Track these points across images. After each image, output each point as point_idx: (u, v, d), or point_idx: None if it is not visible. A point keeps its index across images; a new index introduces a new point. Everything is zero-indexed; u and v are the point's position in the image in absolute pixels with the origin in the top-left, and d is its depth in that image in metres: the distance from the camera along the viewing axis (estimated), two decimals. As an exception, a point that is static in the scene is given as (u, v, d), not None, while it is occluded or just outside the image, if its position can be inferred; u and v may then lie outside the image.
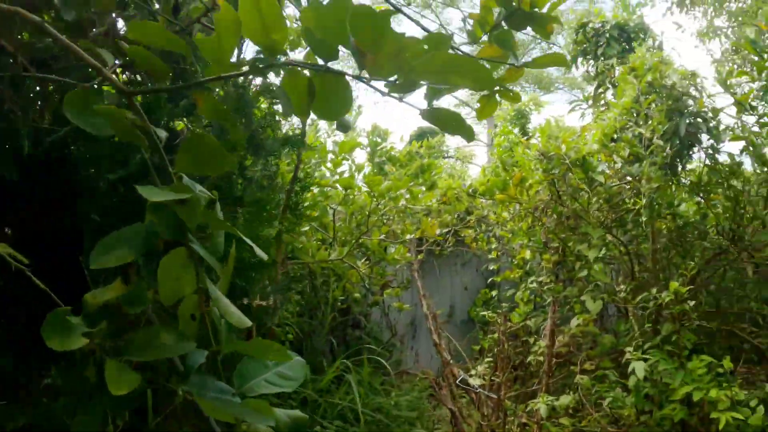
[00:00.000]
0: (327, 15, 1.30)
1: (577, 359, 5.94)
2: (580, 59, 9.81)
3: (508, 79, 1.95)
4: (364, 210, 5.94)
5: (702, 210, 6.33)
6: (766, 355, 6.50)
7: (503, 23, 2.15)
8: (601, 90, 8.84)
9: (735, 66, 9.38)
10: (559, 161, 5.43)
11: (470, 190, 6.92)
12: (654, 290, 5.31)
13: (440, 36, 1.41)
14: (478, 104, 2.06)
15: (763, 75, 6.69)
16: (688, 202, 6.67)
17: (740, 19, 11.30)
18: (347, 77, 1.38)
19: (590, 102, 8.01)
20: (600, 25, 9.49)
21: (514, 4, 2.10)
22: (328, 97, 1.41)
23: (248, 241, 1.59)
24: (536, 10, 2.08)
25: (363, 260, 6.65)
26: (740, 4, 11.68)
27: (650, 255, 6.12)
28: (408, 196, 5.93)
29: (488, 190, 5.73)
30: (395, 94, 1.40)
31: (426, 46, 1.34)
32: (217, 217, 1.52)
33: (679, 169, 6.05)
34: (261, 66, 1.45)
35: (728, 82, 6.54)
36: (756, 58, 6.45)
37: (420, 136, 21.20)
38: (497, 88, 1.94)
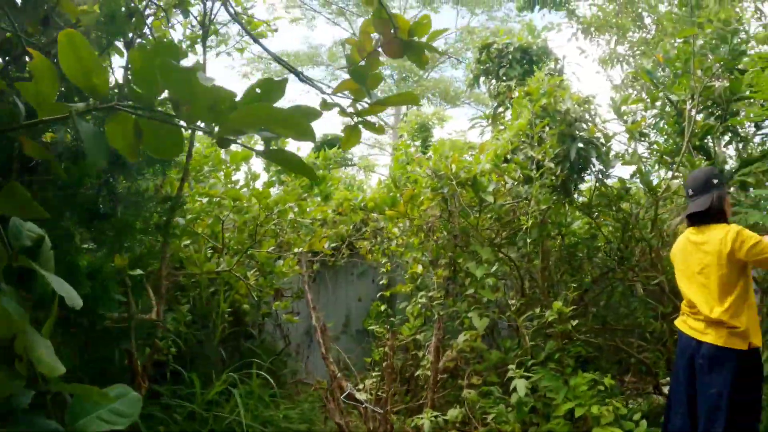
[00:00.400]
0: (146, 67, 1.35)
1: (465, 374, 5.97)
2: (482, 79, 9.92)
3: (371, 112, 1.91)
4: (256, 220, 5.79)
5: (592, 230, 6.50)
6: (652, 370, 6.73)
7: (379, 50, 2.11)
8: (501, 110, 8.97)
9: (633, 93, 9.71)
10: (448, 181, 5.44)
11: (362, 205, 6.85)
12: (538, 309, 5.38)
13: (272, 84, 1.40)
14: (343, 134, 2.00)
15: (657, 104, 6.93)
16: (582, 219, 6.83)
17: (642, 48, 11.71)
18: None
19: (490, 120, 8.11)
20: (504, 46, 9.62)
21: (392, 32, 2.05)
22: (157, 138, 1.45)
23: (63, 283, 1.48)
24: (414, 39, 2.04)
25: (253, 271, 6.50)
26: (644, 35, 12.11)
27: (539, 272, 6.22)
28: (297, 209, 5.81)
29: (377, 206, 5.69)
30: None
31: (258, 90, 1.39)
32: (28, 261, 1.42)
33: (573, 189, 6.18)
34: (85, 109, 1.44)
35: (622, 110, 6.73)
36: (651, 88, 6.67)
37: (324, 143, 21.06)
38: (359, 120, 1.89)
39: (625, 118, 6.62)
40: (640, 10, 11.71)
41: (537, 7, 11.91)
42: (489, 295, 5.46)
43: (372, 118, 1.92)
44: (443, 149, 5.54)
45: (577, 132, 5.69)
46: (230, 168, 5.80)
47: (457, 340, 5.80)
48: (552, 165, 5.62)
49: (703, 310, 3.96)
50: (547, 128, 5.89)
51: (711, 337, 3.91)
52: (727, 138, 6.96)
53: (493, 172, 5.67)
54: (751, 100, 6.18)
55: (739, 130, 6.94)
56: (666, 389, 5.93)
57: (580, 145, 5.76)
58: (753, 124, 6.80)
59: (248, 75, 28.49)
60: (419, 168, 5.69)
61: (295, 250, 6.20)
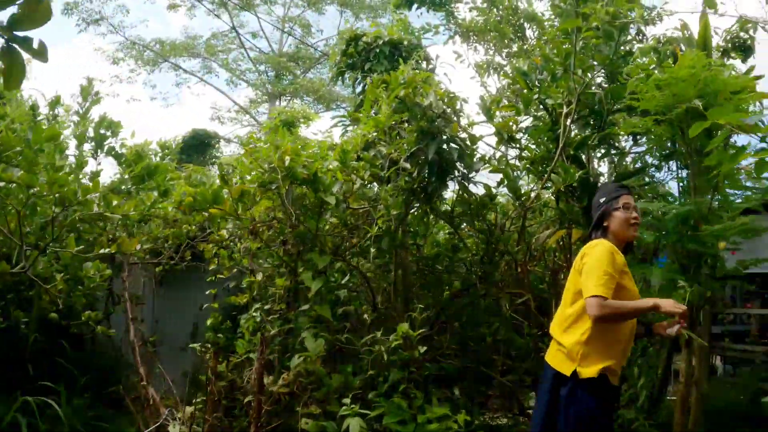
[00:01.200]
0: None
1: (302, 400, 5.16)
2: (348, 74, 9.07)
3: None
4: (49, 213, 4.78)
5: (453, 241, 5.85)
6: (516, 392, 6.17)
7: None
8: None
9: (505, 100, 9.16)
10: (276, 176, 4.62)
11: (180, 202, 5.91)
12: (379, 332, 4.64)
13: None
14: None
15: (531, 109, 6.38)
16: (445, 229, 6.19)
17: (521, 58, 11.23)
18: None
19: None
20: (372, 39, 8.79)
21: None
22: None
23: None
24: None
25: (63, 275, 5.48)
26: (524, 45, 11.64)
27: (392, 287, 5.51)
28: (102, 202, 4.81)
29: (199, 202, 4.79)
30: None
31: None
32: None
33: (434, 195, 5.48)
34: None
35: (492, 112, 6.13)
36: (525, 91, 6.10)
37: (193, 138, 19.72)
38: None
39: (495, 121, 6.03)
40: (522, 21, 11.19)
41: (415, 6, 11.19)
42: (325, 313, 4.68)
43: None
44: (275, 138, 4.70)
45: (439, 130, 5.00)
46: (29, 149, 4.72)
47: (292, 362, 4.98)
48: (408, 165, 4.91)
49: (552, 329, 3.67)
50: (407, 125, 5.20)
51: (549, 356, 3.58)
52: (603, 150, 6.47)
53: (341, 170, 4.89)
54: (633, 112, 5.70)
55: (617, 143, 6.48)
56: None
57: (443, 145, 5.08)
58: (630, 137, 6.31)
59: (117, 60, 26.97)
60: (247, 160, 4.84)
61: (101, 250, 5.20)
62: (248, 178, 5.02)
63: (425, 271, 5.96)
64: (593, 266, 3.28)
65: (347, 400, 4.46)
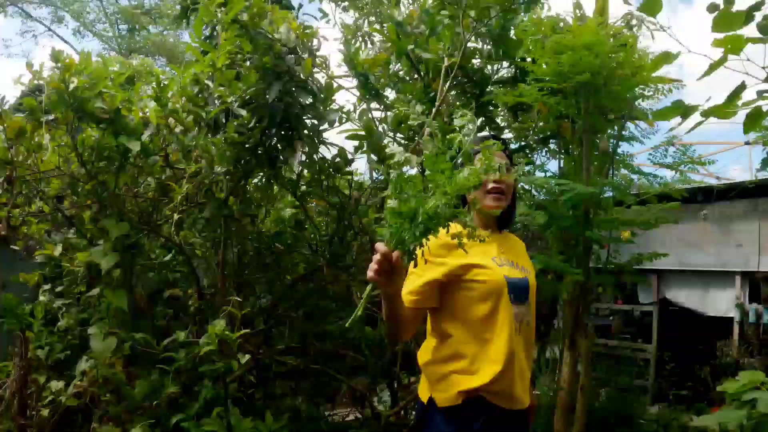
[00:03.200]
0: None
1: (96, 416, 3.90)
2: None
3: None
4: None
5: (298, 216, 4.76)
6: (366, 395, 5.24)
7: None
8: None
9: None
10: (60, 106, 3.33)
11: None
12: (183, 334, 3.48)
13: None
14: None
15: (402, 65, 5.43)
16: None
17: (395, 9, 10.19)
18: None
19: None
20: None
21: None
22: None
23: None
24: None
25: None
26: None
27: (219, 268, 4.35)
28: None
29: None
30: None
31: None
32: None
33: (278, 156, 4.36)
34: None
35: (356, 62, 5.12)
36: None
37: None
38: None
39: (362, 72, 5.01)
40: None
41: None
42: (119, 302, 3.45)
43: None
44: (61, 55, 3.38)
45: (288, 69, 3.88)
46: None
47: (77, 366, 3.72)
48: (243, 112, 3.77)
49: None
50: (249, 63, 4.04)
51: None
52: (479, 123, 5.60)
53: (157, 113, 3.67)
54: (515, 83, 4.88)
55: (496, 118, 5.63)
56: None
57: (289, 88, 3.98)
58: (508, 109, 5.46)
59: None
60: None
61: None
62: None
63: (264, 251, 4.84)
64: None
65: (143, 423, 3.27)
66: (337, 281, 4.71)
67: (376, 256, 1.98)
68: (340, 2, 10.82)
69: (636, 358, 9.76)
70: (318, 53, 4.26)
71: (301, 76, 3.96)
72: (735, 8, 3.79)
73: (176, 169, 4.04)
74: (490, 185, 2.44)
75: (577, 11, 5.54)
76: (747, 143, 10.15)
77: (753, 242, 9.22)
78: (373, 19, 9.75)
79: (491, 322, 2.32)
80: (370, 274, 2.01)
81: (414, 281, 2.31)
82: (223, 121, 3.88)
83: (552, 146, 5.57)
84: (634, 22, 5.61)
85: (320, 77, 4.23)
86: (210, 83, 3.84)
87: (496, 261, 2.40)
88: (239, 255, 4.72)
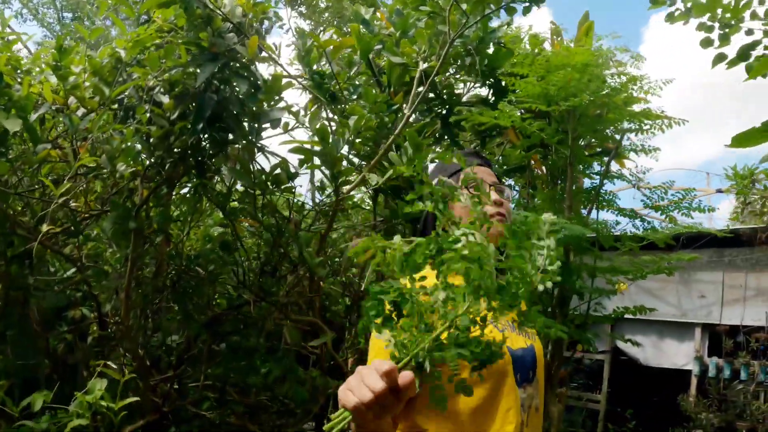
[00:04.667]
0: None
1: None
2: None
3: None
4: None
5: (226, 237, 3.97)
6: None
7: None
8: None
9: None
10: None
11: None
12: (41, 398, 2.63)
13: None
14: None
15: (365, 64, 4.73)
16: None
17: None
18: None
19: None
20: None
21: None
22: None
23: None
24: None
25: None
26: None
27: (124, 294, 3.55)
28: None
29: None
30: None
31: None
32: None
33: (203, 160, 3.60)
34: None
35: (312, 57, 4.40)
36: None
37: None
38: None
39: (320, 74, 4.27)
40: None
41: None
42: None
43: None
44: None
45: (228, 50, 3.13)
46: None
47: None
48: (165, 99, 3.01)
49: None
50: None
51: None
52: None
53: (55, 88, 2.88)
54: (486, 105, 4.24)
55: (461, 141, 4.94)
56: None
57: (226, 73, 3.24)
58: (476, 133, 4.77)
59: None
60: None
61: None
62: None
63: (183, 276, 4.03)
64: None
65: None
66: (267, 319, 3.92)
67: (372, 374, 1.16)
68: (297, 7, 10.16)
69: (585, 408, 9.26)
70: (268, 38, 3.55)
71: (244, 60, 3.22)
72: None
73: (72, 163, 3.22)
74: (490, 209, 1.75)
75: (555, 36, 4.97)
76: (719, 191, 9.83)
77: (716, 294, 8.85)
78: (336, 22, 9.07)
79: (488, 416, 1.56)
80: (354, 400, 1.15)
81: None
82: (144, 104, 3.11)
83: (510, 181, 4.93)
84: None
85: (266, 72, 3.51)
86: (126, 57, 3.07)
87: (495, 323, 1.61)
88: (153, 278, 3.91)
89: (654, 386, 9.44)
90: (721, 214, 13.68)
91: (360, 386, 1.15)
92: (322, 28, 9.50)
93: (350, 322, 4.39)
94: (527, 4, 4.02)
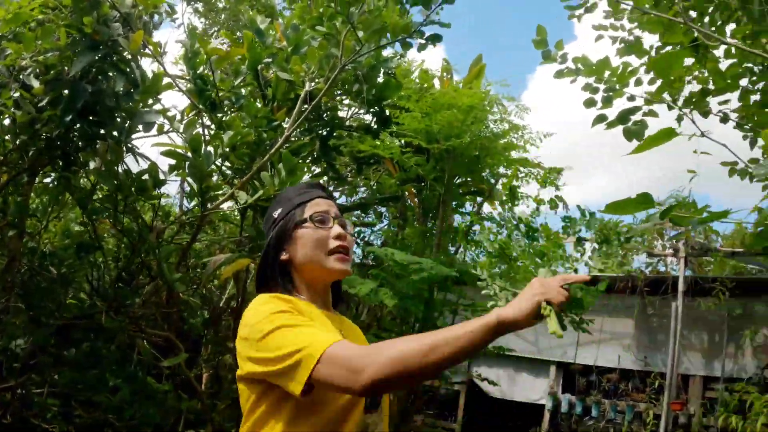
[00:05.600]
0: None
1: None
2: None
3: None
4: None
5: (84, 237, 3.76)
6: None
7: None
8: None
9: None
10: None
11: None
12: None
13: None
14: None
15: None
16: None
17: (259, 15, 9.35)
18: None
19: None
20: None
21: None
22: None
23: None
24: None
25: None
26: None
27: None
28: None
29: None
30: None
31: None
32: None
33: (70, 153, 3.41)
34: None
35: (198, 60, 4.27)
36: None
37: None
38: None
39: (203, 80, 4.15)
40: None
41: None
42: None
43: None
44: None
45: (110, 39, 2.99)
46: None
47: None
48: (35, 83, 2.84)
49: None
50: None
51: None
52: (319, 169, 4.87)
53: None
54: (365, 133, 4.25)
55: (338, 166, 4.91)
56: None
57: (105, 65, 3.10)
58: (355, 159, 4.75)
59: None
60: None
61: None
62: None
63: (36, 275, 3.77)
64: (257, 330, 1.47)
65: None
66: (121, 331, 3.71)
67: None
68: (194, 2, 9.87)
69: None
70: (155, 35, 3.42)
71: (126, 54, 3.08)
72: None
73: None
74: (333, 243, 1.69)
75: (445, 74, 5.08)
76: (581, 239, 10.25)
77: (572, 334, 9.22)
78: (231, 25, 8.89)
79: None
80: (560, 297, 1.41)
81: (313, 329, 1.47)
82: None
83: (383, 210, 4.99)
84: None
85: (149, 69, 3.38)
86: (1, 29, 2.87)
87: None
88: (1, 273, 3.63)
89: (508, 418, 9.69)
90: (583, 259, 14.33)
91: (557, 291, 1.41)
92: (216, 29, 9.28)
93: (206, 337, 4.27)
94: (423, 41, 4.10)
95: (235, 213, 4.17)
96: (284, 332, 1.43)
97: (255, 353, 1.46)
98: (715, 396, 8.59)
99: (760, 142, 4.19)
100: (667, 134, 1.99)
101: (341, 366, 1.35)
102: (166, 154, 3.56)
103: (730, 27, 4.79)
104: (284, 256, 1.69)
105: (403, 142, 4.08)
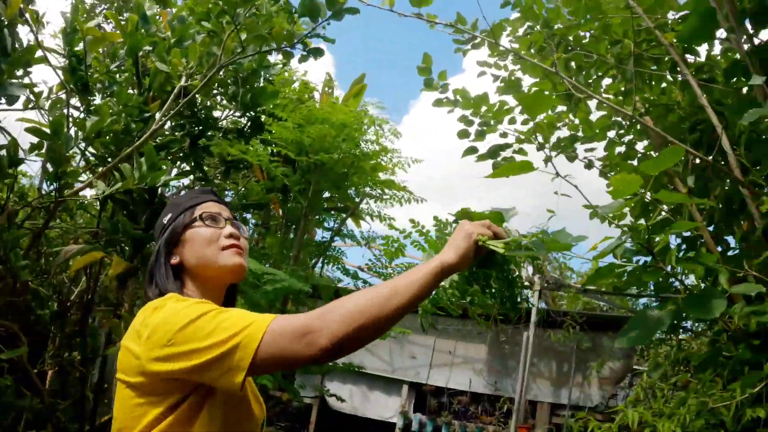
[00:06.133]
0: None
1: None
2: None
3: None
4: None
5: None
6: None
7: None
8: None
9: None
10: None
11: None
12: None
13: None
14: None
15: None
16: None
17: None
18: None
19: None
20: None
21: None
22: None
23: None
24: None
25: None
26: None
27: None
28: None
29: None
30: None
31: None
32: None
33: None
34: None
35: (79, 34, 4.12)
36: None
37: None
38: None
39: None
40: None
41: None
42: None
43: None
44: None
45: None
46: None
47: None
48: None
49: None
50: None
51: None
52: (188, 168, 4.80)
53: None
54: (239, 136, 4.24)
55: (205, 167, 4.87)
56: None
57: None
58: (223, 162, 4.70)
59: None
60: None
61: None
62: None
63: None
64: (170, 324, 1.31)
65: None
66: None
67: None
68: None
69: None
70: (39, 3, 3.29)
71: (2, 17, 2.95)
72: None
73: None
74: (225, 240, 1.59)
75: (326, 88, 5.15)
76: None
77: (426, 356, 9.49)
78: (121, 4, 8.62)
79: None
80: (486, 231, 1.51)
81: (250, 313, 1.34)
82: None
83: (248, 216, 4.98)
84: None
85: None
86: None
87: None
88: None
89: (358, 434, 9.78)
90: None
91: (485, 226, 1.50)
92: (105, 6, 8.96)
93: (53, 332, 4.09)
94: (305, 53, 4.15)
95: (96, 203, 4.03)
96: (212, 318, 1.30)
97: (171, 349, 1.29)
98: (561, 422, 9.08)
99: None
100: (525, 166, 2.11)
101: (292, 336, 1.24)
102: (30, 131, 3.41)
103: (606, 81, 5.15)
104: (174, 260, 1.59)
105: (273, 150, 4.08)
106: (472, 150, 4.26)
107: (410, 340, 9.45)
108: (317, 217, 4.28)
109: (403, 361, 9.60)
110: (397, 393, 9.58)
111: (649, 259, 2.12)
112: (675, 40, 3.99)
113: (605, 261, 2.22)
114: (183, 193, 1.72)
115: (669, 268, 2.04)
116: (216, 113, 4.55)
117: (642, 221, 3.86)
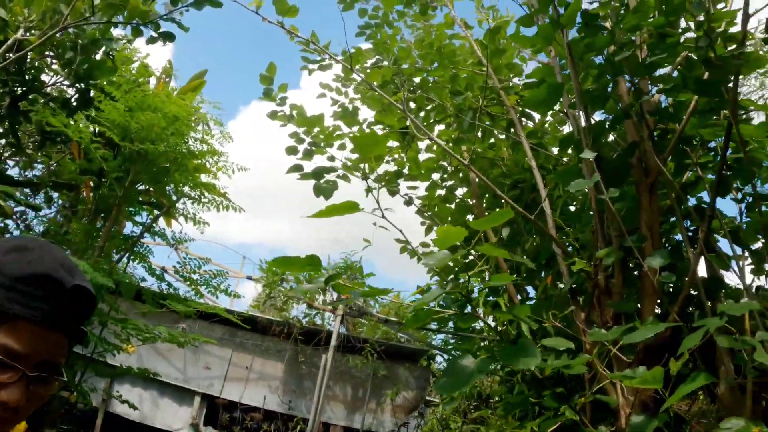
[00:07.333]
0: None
1: None
2: None
3: None
4: None
5: None
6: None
7: None
8: None
9: None
10: None
11: None
12: None
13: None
14: None
15: None
16: None
17: None
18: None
19: None
20: None
21: None
22: None
23: None
24: None
25: None
26: None
27: None
28: None
29: None
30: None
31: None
32: None
33: None
34: None
35: None
36: None
37: None
38: None
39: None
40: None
41: None
42: None
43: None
44: None
45: None
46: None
47: None
48: None
49: None
50: None
51: None
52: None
53: None
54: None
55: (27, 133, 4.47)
56: None
57: None
58: (40, 131, 4.35)
59: None
60: None
61: None
62: None
63: None
64: None
65: None
66: None
67: None
68: None
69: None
70: None
71: None
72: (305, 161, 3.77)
73: None
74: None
75: (164, 76, 4.93)
76: (249, 278, 10.46)
77: (222, 369, 9.27)
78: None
79: None
80: None
81: None
82: None
83: (55, 196, 4.61)
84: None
85: None
86: None
87: None
88: None
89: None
90: (246, 295, 14.59)
91: None
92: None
93: None
94: (155, 35, 3.91)
95: None
96: None
97: None
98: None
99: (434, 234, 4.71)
100: (351, 207, 2.15)
101: None
102: None
103: (440, 127, 5.38)
104: None
105: (96, 130, 3.80)
106: (297, 167, 4.24)
107: (206, 350, 9.19)
108: (130, 209, 4.02)
109: (197, 371, 9.30)
110: (189, 403, 9.24)
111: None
112: (516, 103, 4.26)
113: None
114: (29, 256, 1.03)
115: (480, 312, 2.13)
116: (44, 77, 4.15)
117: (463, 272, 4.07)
